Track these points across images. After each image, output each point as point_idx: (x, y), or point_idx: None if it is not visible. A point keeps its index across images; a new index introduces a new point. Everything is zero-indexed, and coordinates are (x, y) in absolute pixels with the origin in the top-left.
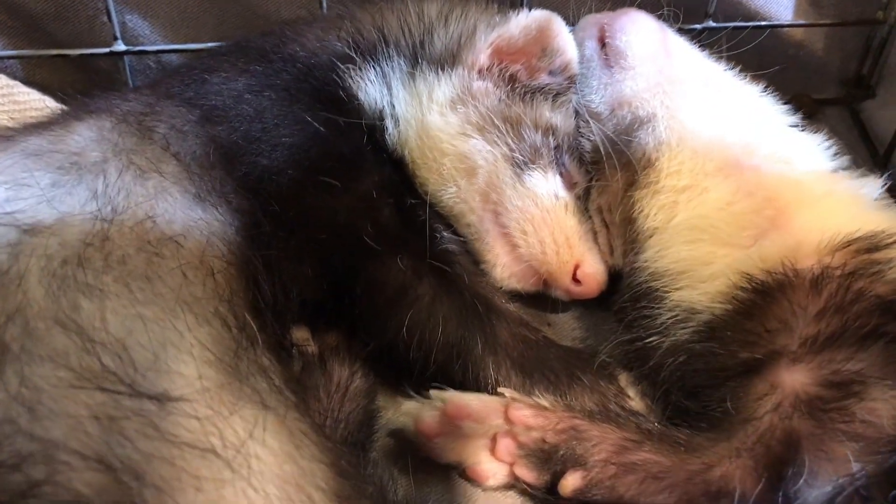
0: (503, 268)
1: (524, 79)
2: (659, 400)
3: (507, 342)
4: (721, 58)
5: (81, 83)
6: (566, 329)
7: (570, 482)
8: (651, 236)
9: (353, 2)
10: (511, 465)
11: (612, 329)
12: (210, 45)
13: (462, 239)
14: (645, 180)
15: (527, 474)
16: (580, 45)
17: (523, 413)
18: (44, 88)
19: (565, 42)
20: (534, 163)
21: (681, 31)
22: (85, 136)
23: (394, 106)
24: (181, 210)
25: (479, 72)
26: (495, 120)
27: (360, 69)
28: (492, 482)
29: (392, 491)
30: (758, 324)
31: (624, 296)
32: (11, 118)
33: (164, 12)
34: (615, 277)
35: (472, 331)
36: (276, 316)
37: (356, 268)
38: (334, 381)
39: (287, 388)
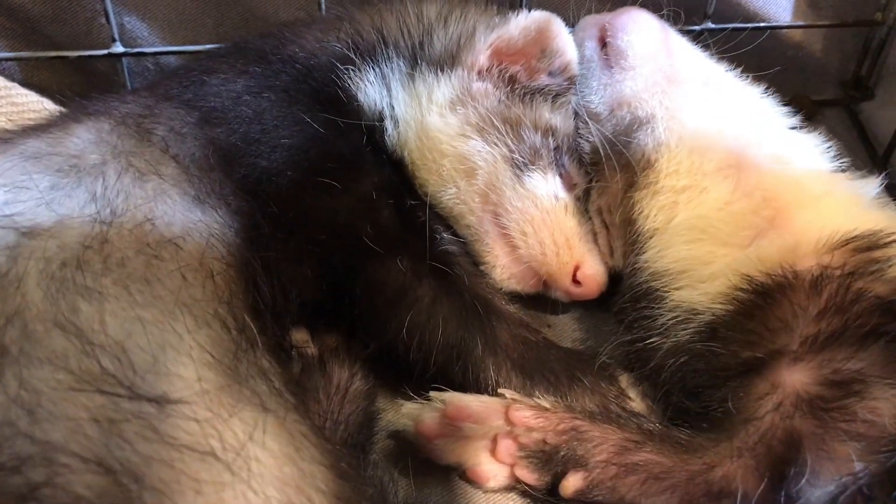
0: (503, 269)
1: (524, 80)
2: (660, 400)
3: (507, 343)
4: (720, 59)
5: (80, 85)
6: (566, 330)
7: (572, 483)
8: (651, 237)
9: (352, 3)
10: (512, 466)
11: (613, 330)
12: (208, 46)
13: (462, 240)
14: (644, 181)
15: (527, 476)
16: (580, 45)
17: (524, 414)
18: (42, 90)
19: (565, 43)
20: (533, 164)
21: (680, 32)
22: (84, 138)
23: (393, 107)
24: (180, 212)
25: (479, 73)
26: (495, 121)
27: (359, 70)
28: (492, 484)
29: (392, 493)
30: (758, 324)
31: (624, 297)
32: (9, 120)
33: (163, 14)
34: (615, 278)
35: (472, 332)
36: (276, 318)
37: (356, 269)
38: (334, 382)
39: (287, 390)
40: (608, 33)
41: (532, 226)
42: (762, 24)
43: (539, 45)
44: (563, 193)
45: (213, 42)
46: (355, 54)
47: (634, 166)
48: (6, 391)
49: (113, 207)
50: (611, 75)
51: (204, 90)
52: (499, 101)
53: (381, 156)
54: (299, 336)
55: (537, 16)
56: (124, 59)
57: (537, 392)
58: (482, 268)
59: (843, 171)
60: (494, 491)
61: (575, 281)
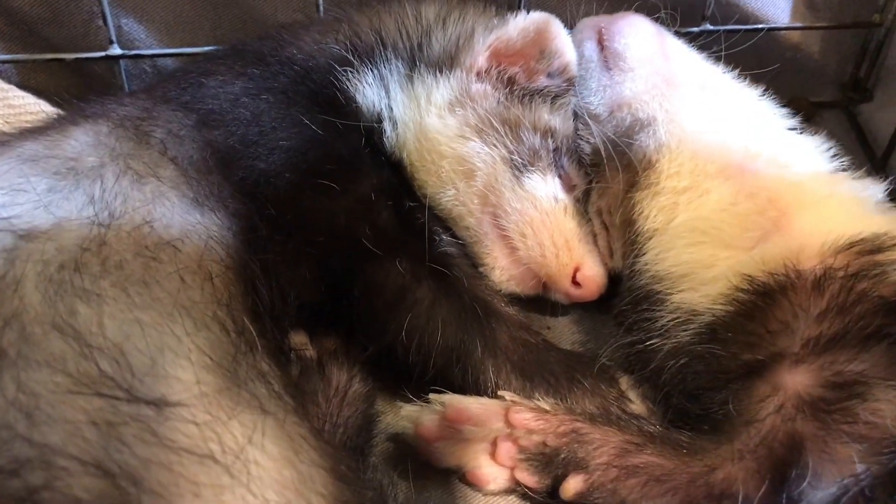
0: (502, 271)
1: (523, 81)
2: (660, 402)
3: (506, 345)
4: (718, 61)
5: (77, 87)
6: (566, 332)
7: (572, 486)
8: (651, 238)
9: (350, 5)
10: (512, 469)
11: (613, 332)
12: (206, 49)
13: (461, 242)
14: (645, 182)
15: (528, 478)
16: (578, 47)
17: (524, 416)
18: (39, 93)
19: (564, 44)
20: (533, 165)
21: (678, 33)
22: (81, 140)
23: (392, 109)
24: (179, 214)
25: (478, 74)
26: (494, 122)
27: (357, 72)
28: (492, 486)
29: (392, 495)
30: (759, 325)
31: (624, 299)
32: (6, 122)
33: (160, 16)
34: (615, 280)
35: (471, 334)
36: (275, 320)
37: (354, 271)
38: (333, 385)
39: (286, 393)
40: (605, 37)
41: (531, 227)
42: (760, 26)
43: (538, 47)
44: (562, 195)
45: (211, 44)
46: (353, 56)
47: (636, 166)
48: (4, 394)
49: (111, 210)
50: (610, 77)
51: (202, 92)
52: (498, 102)
53: (380, 157)
54: (298, 339)
55: (536, 17)
56: (122, 62)
57: (537, 394)
58: (481, 269)
59: (844, 171)
60: (494, 494)
61: (574, 282)
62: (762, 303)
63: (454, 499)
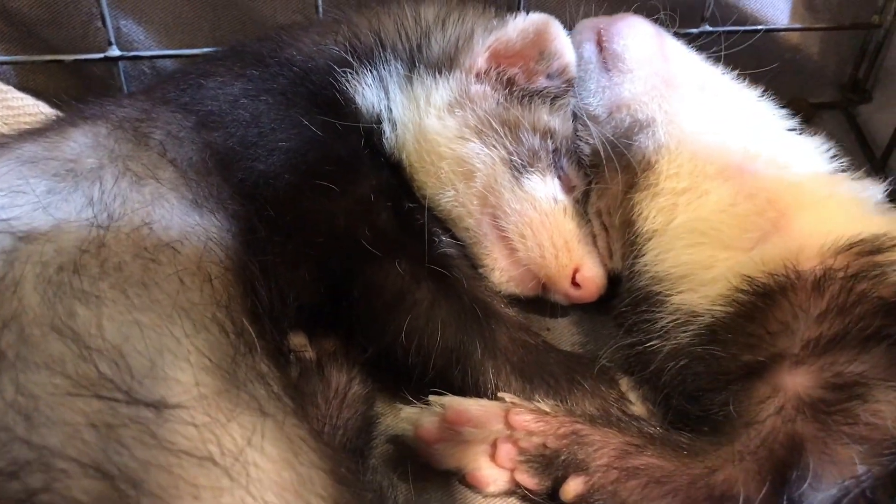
0: (501, 272)
1: (522, 82)
2: (660, 404)
3: (506, 347)
4: (717, 62)
5: (76, 89)
6: (565, 334)
7: (572, 488)
8: (650, 239)
9: (350, 6)
10: (512, 470)
11: (612, 333)
12: (205, 50)
13: (460, 243)
14: (645, 182)
15: (528, 480)
16: (577, 48)
17: (524, 418)
18: (38, 94)
19: (563, 45)
20: (532, 166)
21: (677, 34)
22: (80, 142)
23: (391, 110)
24: (178, 216)
25: (477, 75)
26: (493, 123)
27: (356, 73)
28: (492, 488)
29: (391, 498)
30: (759, 326)
31: (624, 300)
32: (5, 124)
33: (159, 17)
34: (614, 281)
35: (471, 335)
36: (274, 321)
37: (354, 272)
38: (332, 387)
39: (285, 395)
40: (604, 38)
41: (531, 228)
42: (759, 27)
43: (537, 48)
44: (561, 196)
45: (210, 46)
46: (353, 57)
47: (635, 167)
48: (3, 396)
49: (110, 212)
50: (609, 78)
51: (201, 94)
52: (497, 103)
53: (379, 158)
54: (297, 340)
55: (535, 18)
56: (120, 63)
57: (537, 396)
58: (481, 271)
59: (844, 171)
60: (494, 496)
61: (574, 284)
62: (762, 304)
63: (454, 501)
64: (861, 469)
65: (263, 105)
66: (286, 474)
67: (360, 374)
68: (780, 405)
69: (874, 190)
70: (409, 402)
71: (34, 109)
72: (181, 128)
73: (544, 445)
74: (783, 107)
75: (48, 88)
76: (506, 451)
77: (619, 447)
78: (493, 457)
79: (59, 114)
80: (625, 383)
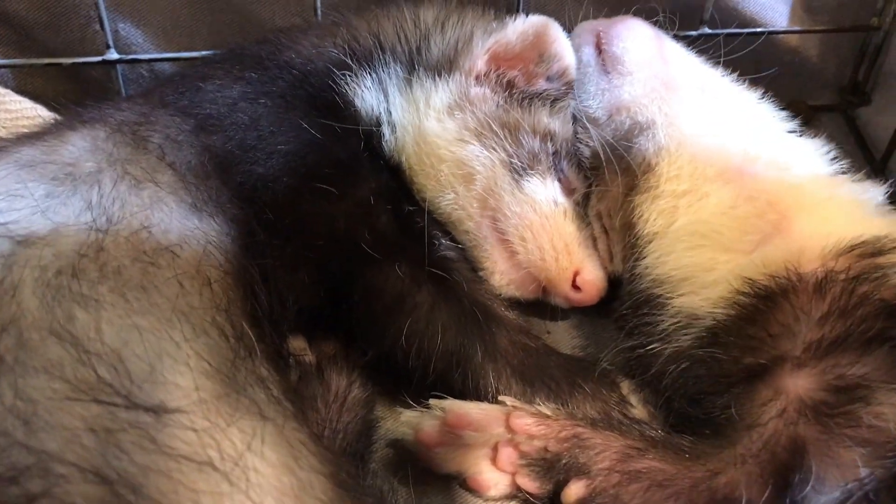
0: (502, 275)
1: (522, 84)
2: (661, 407)
3: (507, 350)
4: (717, 64)
5: (74, 92)
6: (566, 337)
7: (574, 491)
8: (651, 241)
9: (349, 8)
10: (513, 474)
11: (613, 336)
12: (203, 53)
13: (460, 246)
14: (645, 185)
15: (529, 484)
16: (577, 51)
17: (525, 421)
18: (36, 97)
19: (562, 47)
20: (532, 169)
21: (676, 37)
22: (79, 146)
23: (390, 112)
24: (177, 220)
25: (477, 78)
26: (493, 126)
27: (356, 76)
28: (493, 492)
29: (392, 502)
30: (761, 329)
31: (625, 303)
32: (3, 127)
33: (157, 20)
34: (614, 284)
35: (471, 338)
36: (273, 325)
37: (353, 275)
38: (332, 390)
39: (285, 398)
40: (603, 41)
41: (531, 231)
42: (759, 30)
43: (537, 50)
44: (562, 198)
45: (208, 49)
46: (352, 60)
47: (635, 170)
48: (2, 401)
49: (109, 215)
50: (608, 81)
51: (200, 97)
52: (497, 105)
53: (379, 161)
54: (297, 344)
55: (535, 20)
56: (119, 66)
57: (538, 399)
58: (481, 274)
59: (844, 173)
60: (495, 500)
61: (574, 286)
62: (763, 306)
63: None
64: (864, 472)
65: (262, 108)
66: (286, 479)
67: (360, 377)
68: (782, 408)
69: (875, 192)
70: (409, 406)
71: (32, 113)
72: (180, 131)
73: (545, 449)
74: (782, 109)
75: (46, 92)
76: (507, 454)
77: (621, 450)
78: (494, 460)
79: (58, 117)
80: (626, 386)
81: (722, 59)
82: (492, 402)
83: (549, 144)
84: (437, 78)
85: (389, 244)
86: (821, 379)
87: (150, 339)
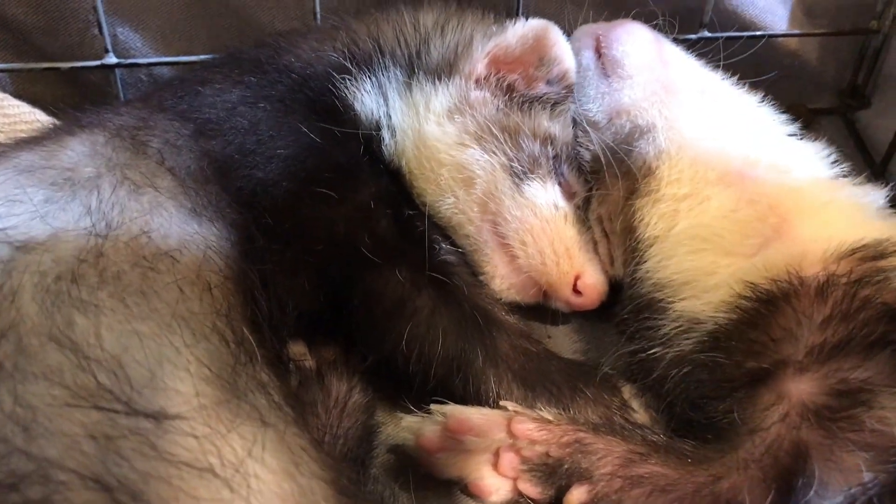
0: (502, 279)
1: (522, 88)
2: (663, 412)
3: (507, 354)
4: (716, 68)
5: (72, 97)
6: (567, 341)
7: (576, 497)
8: (652, 245)
9: (348, 12)
10: (514, 479)
11: (614, 341)
12: (202, 57)
13: (461, 250)
14: (646, 188)
15: (531, 489)
16: (576, 54)
17: (527, 426)
18: (34, 102)
19: (563, 51)
20: (532, 172)
21: (676, 41)
22: (78, 151)
23: (390, 116)
24: (177, 225)
25: (477, 81)
26: (493, 129)
27: (355, 80)
28: (495, 498)
29: None
30: (762, 333)
31: (626, 307)
32: (1, 132)
33: (156, 25)
34: (615, 288)
35: (472, 343)
36: (273, 330)
37: (353, 280)
38: (332, 396)
39: (286, 404)
40: (603, 44)
41: (531, 235)
42: (758, 33)
43: (537, 54)
44: (562, 202)
45: (207, 53)
46: (351, 63)
47: (636, 173)
48: (1, 407)
49: (108, 220)
50: (608, 84)
51: (199, 101)
52: (497, 109)
53: (379, 165)
54: (297, 349)
55: (535, 24)
56: (117, 71)
57: (539, 404)
58: (481, 278)
59: (845, 177)
60: None
61: (575, 291)
62: (765, 310)
63: None
64: (867, 476)
65: (262, 112)
66: (287, 485)
67: (361, 382)
68: (785, 412)
69: (875, 195)
70: (410, 411)
71: (30, 117)
72: (179, 136)
73: (547, 454)
74: (782, 112)
75: (45, 96)
76: (508, 459)
77: (623, 455)
78: (495, 466)
79: (56, 122)
80: (627, 391)
81: (721, 63)
82: (493, 407)
83: (550, 148)
84: (436, 82)
85: (389, 248)
86: (823, 383)
87: (150, 345)
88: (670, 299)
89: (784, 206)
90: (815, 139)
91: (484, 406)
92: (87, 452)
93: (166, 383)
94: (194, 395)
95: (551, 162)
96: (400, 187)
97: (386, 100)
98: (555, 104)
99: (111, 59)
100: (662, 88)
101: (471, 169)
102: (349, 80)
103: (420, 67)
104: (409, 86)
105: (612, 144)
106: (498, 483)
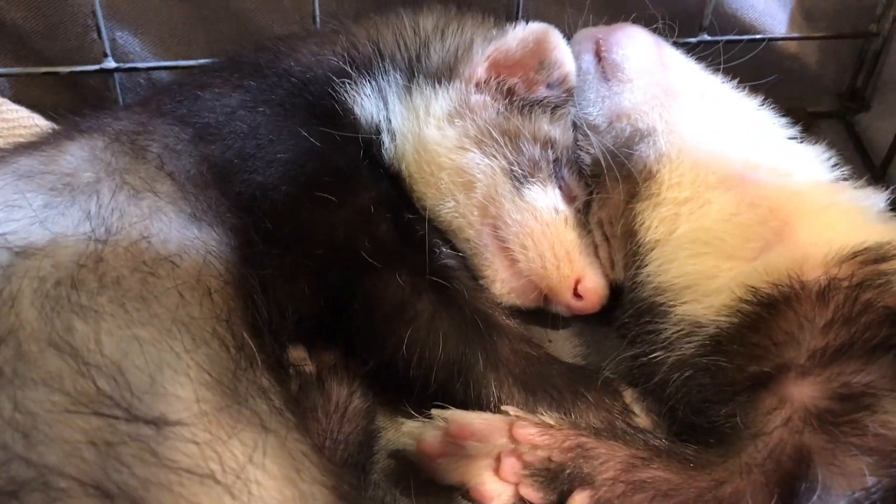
0: (502, 283)
1: (522, 92)
2: (665, 416)
3: (508, 358)
4: (716, 71)
5: (71, 101)
6: (567, 345)
7: (578, 502)
8: (652, 249)
9: (348, 16)
10: (516, 485)
11: (615, 344)
12: (201, 61)
13: (461, 254)
14: (646, 192)
15: (532, 494)
16: (576, 58)
17: (528, 431)
18: (33, 106)
19: (563, 54)
20: (533, 176)
21: (676, 44)
22: (77, 156)
23: (390, 120)
24: (176, 230)
25: (477, 85)
26: (493, 133)
27: (355, 84)
28: (496, 503)
29: None
30: (764, 337)
31: (626, 311)
32: (0, 137)
33: (155, 29)
34: (616, 292)
35: (472, 347)
36: (273, 335)
37: (354, 284)
38: (333, 401)
39: (287, 409)
40: (603, 48)
41: (532, 239)
42: (758, 36)
43: (537, 57)
44: (562, 206)
45: (207, 57)
46: (351, 67)
47: (636, 177)
48: (1, 413)
49: (108, 226)
50: (608, 88)
51: (198, 105)
52: (497, 113)
53: (379, 169)
54: (297, 353)
55: (535, 27)
56: (116, 75)
57: (540, 408)
58: (482, 282)
59: (845, 180)
60: None
61: (576, 294)
62: (767, 314)
63: None
64: (871, 480)
65: (261, 116)
66: (288, 491)
67: (361, 387)
68: (787, 416)
69: (876, 198)
70: (410, 416)
71: (29, 122)
72: (178, 140)
73: (549, 459)
74: (782, 116)
75: (43, 101)
76: (510, 464)
77: (625, 460)
78: (497, 471)
79: (55, 127)
80: (629, 395)
81: (721, 67)
82: (494, 412)
83: (550, 152)
84: (436, 85)
85: (389, 252)
86: (826, 387)
87: (151, 351)
88: (671, 303)
89: (785, 209)
90: (815, 142)
91: (485, 411)
92: (88, 459)
93: (166, 389)
94: (195, 401)
95: (552, 165)
96: (400, 191)
97: (386, 104)
98: (555, 108)
99: (110, 64)
100: (663, 92)
101: (471, 173)
102: (349, 83)
103: (420, 71)
104: (408, 90)
105: (612, 148)
106: (499, 488)
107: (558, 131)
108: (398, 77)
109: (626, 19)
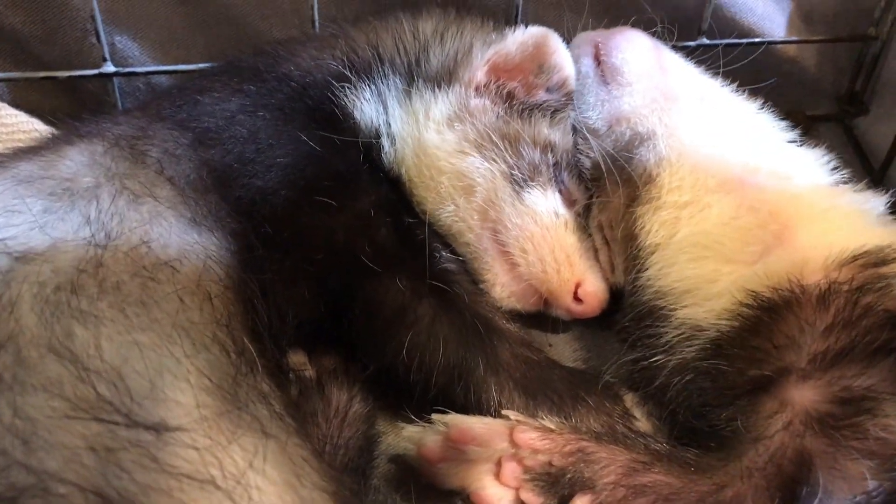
0: (503, 287)
1: (521, 96)
2: (666, 420)
3: (509, 363)
4: (715, 75)
5: (70, 106)
6: (568, 349)
7: None
8: (653, 252)
9: (347, 20)
10: (517, 489)
11: (616, 348)
12: (200, 66)
13: (461, 258)
14: (647, 196)
15: (533, 499)
16: (576, 62)
17: (529, 436)
18: (32, 111)
19: (562, 58)
20: (533, 180)
21: (675, 48)
22: (77, 161)
23: (390, 124)
24: (176, 234)
25: (476, 89)
26: (493, 137)
27: (355, 88)
28: None
29: None
30: (765, 340)
31: (627, 315)
32: None
33: (154, 33)
34: (616, 296)
35: (473, 352)
36: (273, 339)
37: (353, 288)
38: (333, 405)
39: (287, 414)
40: (602, 52)
41: (532, 243)
42: (756, 40)
43: (536, 61)
44: (563, 210)
45: (206, 61)
46: (351, 72)
47: (636, 181)
48: (1, 419)
49: (107, 231)
50: (608, 91)
51: (197, 110)
52: (497, 117)
53: (379, 173)
54: (297, 358)
55: (534, 31)
56: (115, 79)
57: (541, 413)
58: (482, 286)
59: (845, 183)
60: None
61: (576, 298)
62: (767, 318)
63: None
64: (872, 484)
65: (261, 121)
66: (288, 497)
67: (361, 392)
68: (788, 420)
69: (876, 202)
70: (411, 421)
71: (28, 127)
72: (178, 145)
73: (550, 463)
74: (781, 119)
75: (42, 105)
76: (511, 469)
77: (626, 464)
78: (497, 476)
79: (54, 131)
80: (629, 399)
81: (720, 70)
82: (495, 417)
83: (550, 156)
84: (436, 89)
85: (389, 257)
86: (826, 391)
87: (151, 356)
88: (672, 307)
89: (785, 212)
90: (814, 146)
91: (485, 415)
92: (88, 465)
93: (167, 394)
94: (195, 406)
95: (551, 169)
96: (400, 195)
97: (385, 108)
98: (555, 112)
99: (109, 68)
100: (662, 96)
101: (471, 177)
102: (348, 88)
103: (419, 75)
104: (408, 94)
105: (612, 152)
106: (500, 493)
107: (558, 135)
108: (398, 81)
109: (625, 23)
